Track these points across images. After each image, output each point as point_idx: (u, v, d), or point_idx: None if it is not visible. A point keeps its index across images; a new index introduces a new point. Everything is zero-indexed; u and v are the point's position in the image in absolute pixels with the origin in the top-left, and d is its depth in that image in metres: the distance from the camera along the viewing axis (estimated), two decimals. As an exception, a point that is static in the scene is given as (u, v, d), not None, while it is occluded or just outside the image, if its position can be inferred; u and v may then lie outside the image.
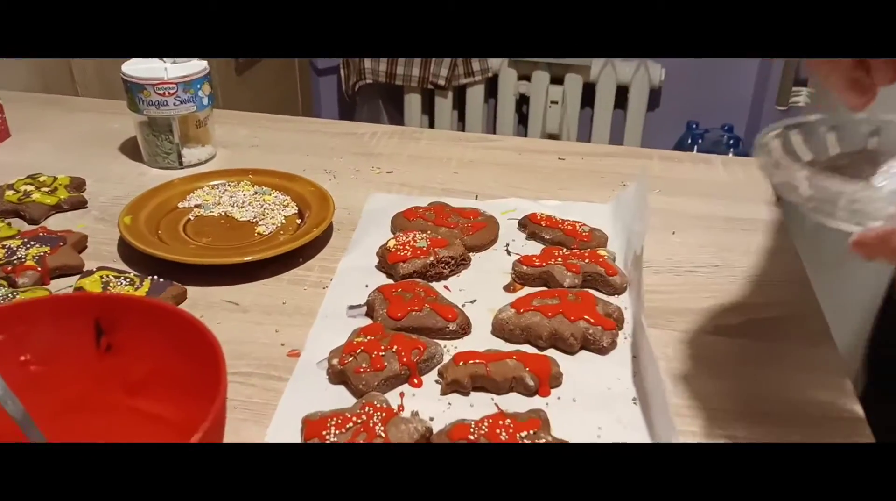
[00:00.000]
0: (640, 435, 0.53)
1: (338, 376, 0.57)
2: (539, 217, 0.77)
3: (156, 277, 0.65)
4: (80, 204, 0.79)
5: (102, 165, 0.89)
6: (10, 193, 0.78)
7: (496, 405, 0.56)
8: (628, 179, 0.88)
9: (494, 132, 2.18)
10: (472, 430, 0.51)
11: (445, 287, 0.68)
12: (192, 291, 0.67)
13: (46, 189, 0.79)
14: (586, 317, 0.61)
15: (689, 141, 2.14)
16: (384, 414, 0.52)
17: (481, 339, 0.62)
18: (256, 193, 0.80)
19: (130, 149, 0.92)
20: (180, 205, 0.78)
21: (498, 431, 0.51)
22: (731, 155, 1.98)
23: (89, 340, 0.47)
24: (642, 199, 0.73)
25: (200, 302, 0.66)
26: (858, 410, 0.56)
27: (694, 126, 2.16)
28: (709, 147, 2.09)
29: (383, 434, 0.50)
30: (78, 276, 0.66)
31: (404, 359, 0.57)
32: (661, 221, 0.80)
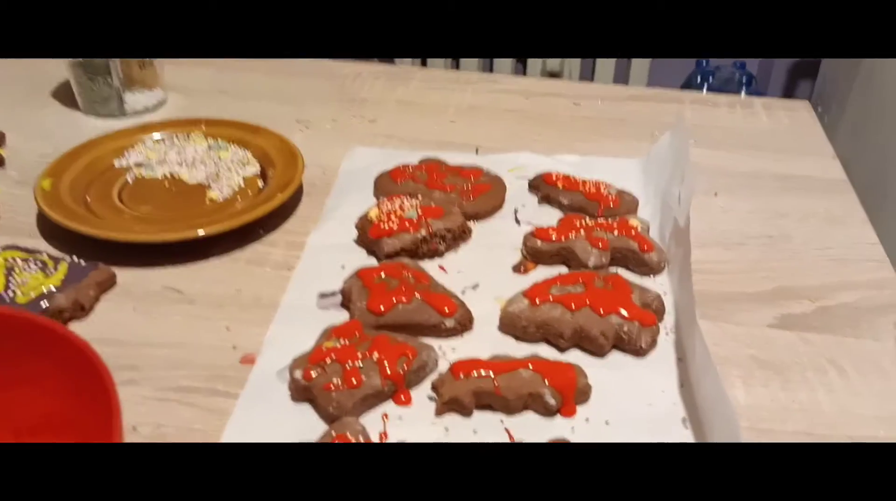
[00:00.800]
0: (694, 472, 0.41)
1: (302, 393, 0.44)
2: (554, 177, 0.63)
3: (74, 258, 0.52)
4: (-3, 163, 0.65)
5: (29, 116, 0.74)
6: None
7: (507, 431, 0.43)
8: (658, 128, 0.74)
9: (491, 70, 2.01)
10: (476, 473, 0.38)
11: (441, 268, 0.55)
12: (123, 274, 0.53)
13: (-47, 145, 0.64)
14: (620, 310, 0.48)
15: (699, 79, 1.98)
16: (360, 452, 0.39)
17: (486, 338, 0.49)
18: (210, 148, 0.65)
19: (64, 95, 0.77)
20: (117, 163, 0.64)
21: (511, 475, 0.38)
22: (743, 95, 1.83)
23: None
24: (682, 154, 0.59)
25: (135, 289, 0.53)
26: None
27: (704, 64, 2.00)
28: (720, 86, 1.93)
29: (359, 483, 0.37)
30: (-19, 257, 0.53)
31: (388, 371, 0.44)
32: (701, 180, 0.66)
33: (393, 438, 0.42)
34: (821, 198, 0.65)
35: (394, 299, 0.49)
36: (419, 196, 0.59)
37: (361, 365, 0.44)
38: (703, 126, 0.76)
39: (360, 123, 0.75)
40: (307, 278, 0.54)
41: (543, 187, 0.63)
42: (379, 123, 0.75)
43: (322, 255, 0.56)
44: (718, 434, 0.41)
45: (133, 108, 0.73)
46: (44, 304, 0.48)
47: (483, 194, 0.61)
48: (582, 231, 0.56)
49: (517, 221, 0.61)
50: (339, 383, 0.43)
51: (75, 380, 0.33)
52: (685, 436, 0.43)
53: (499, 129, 0.75)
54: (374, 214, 0.57)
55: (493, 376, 0.44)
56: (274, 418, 0.43)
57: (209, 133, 0.67)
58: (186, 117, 0.70)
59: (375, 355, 0.44)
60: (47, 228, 0.58)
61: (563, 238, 0.55)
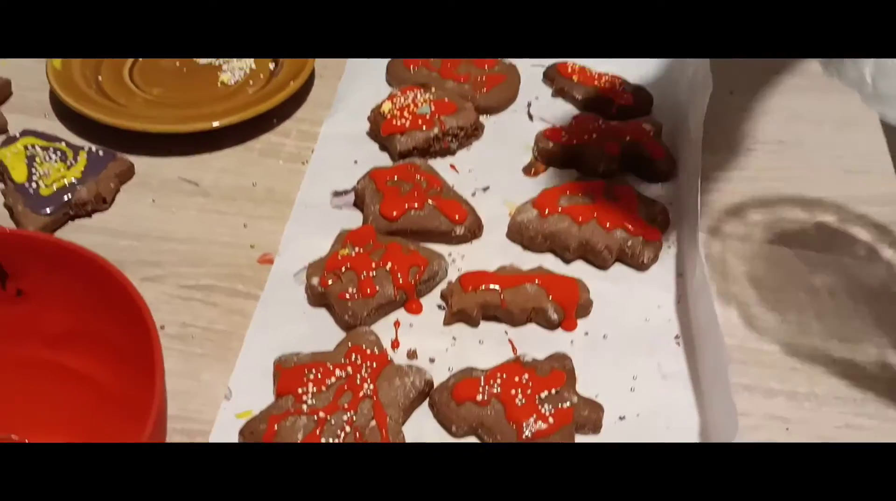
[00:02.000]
0: (682, 387, 0.44)
1: (318, 298, 0.47)
2: (571, 69, 0.62)
3: (93, 148, 0.53)
4: (1, 30, 0.64)
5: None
6: None
7: (511, 342, 0.46)
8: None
9: None
10: (480, 388, 0.42)
11: (452, 167, 0.56)
12: (140, 164, 0.54)
13: (-44, 10, 0.62)
14: (625, 224, 0.50)
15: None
16: (374, 364, 0.42)
17: (495, 245, 0.51)
18: (220, 22, 0.64)
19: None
20: (125, 38, 0.62)
21: (513, 391, 0.41)
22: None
23: (-8, 284, 0.36)
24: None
25: (152, 179, 0.54)
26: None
27: None
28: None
29: (372, 393, 0.41)
30: (1, 139, 0.54)
31: (400, 280, 0.46)
32: (716, 76, 0.64)
33: (404, 345, 0.45)
34: (838, 100, 0.64)
35: (406, 204, 0.50)
36: (432, 89, 0.59)
37: (375, 275, 0.46)
38: (727, 9, 0.73)
39: (373, -7, 0.72)
40: (320, 172, 0.55)
41: (558, 79, 0.62)
42: None
43: (335, 147, 0.56)
44: (708, 357, 0.44)
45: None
46: (67, 197, 0.50)
47: (496, 86, 0.61)
48: (594, 134, 0.56)
49: (530, 116, 0.60)
50: (354, 292, 0.45)
51: (101, 293, 0.35)
52: (677, 352, 0.46)
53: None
54: (386, 108, 0.56)
55: (499, 289, 0.46)
56: (293, 322, 0.46)
57: (218, 6, 0.65)
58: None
59: (389, 264, 0.46)
60: (61, 108, 0.57)
61: (574, 141, 0.56)
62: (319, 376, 0.41)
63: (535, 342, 0.46)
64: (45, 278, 0.36)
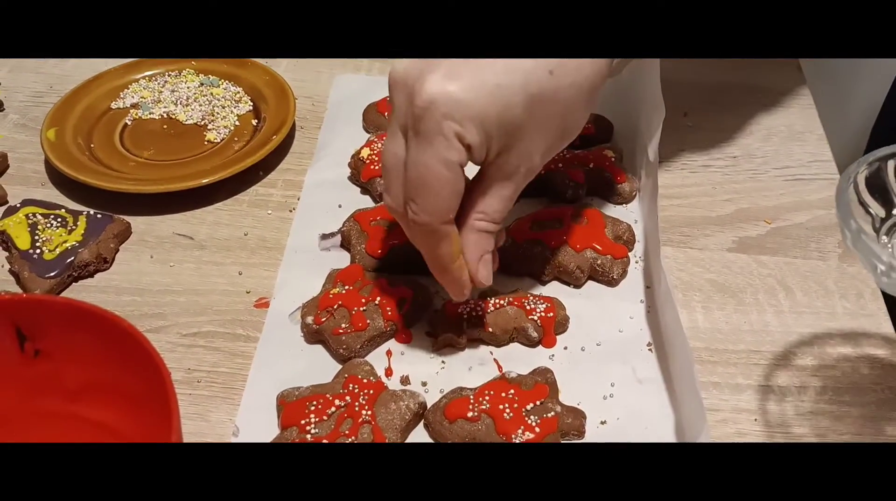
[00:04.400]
0: (656, 390, 0.48)
1: (314, 336, 0.50)
2: (533, 104, 0.66)
3: (91, 212, 0.56)
4: (-4, 107, 0.68)
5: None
6: None
7: (496, 361, 0.49)
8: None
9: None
10: (470, 406, 0.45)
11: (430, 203, 0.60)
12: (137, 223, 0.58)
13: (-49, 91, 0.66)
14: (594, 245, 0.54)
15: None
16: (371, 391, 0.45)
17: (475, 272, 0.55)
18: (202, 84, 0.68)
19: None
20: (113, 105, 0.66)
21: (501, 406, 0.45)
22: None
23: (12, 346, 0.39)
24: (653, 78, 0.62)
25: (149, 237, 0.57)
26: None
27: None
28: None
29: (370, 419, 0.44)
30: (2, 210, 0.57)
31: (389, 313, 0.50)
32: (671, 99, 0.69)
33: (397, 372, 0.49)
34: (784, 113, 0.69)
35: (391, 241, 0.54)
36: (406, 132, 0.63)
37: (365, 309, 0.49)
38: (676, 37, 0.78)
39: (343, 46, 0.76)
40: (307, 219, 0.58)
41: (523, 114, 0.66)
42: (362, 46, 0.76)
43: (319, 194, 0.60)
44: (677, 360, 0.47)
45: (118, 39, 0.74)
46: (70, 260, 0.53)
47: (466, 125, 0.65)
48: (560, 164, 0.60)
49: (499, 150, 0.64)
50: (347, 327, 0.49)
51: (115, 347, 0.38)
52: (650, 358, 0.50)
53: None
54: (365, 153, 0.60)
55: (481, 313, 0.50)
56: (291, 359, 0.49)
57: (200, 69, 0.69)
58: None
59: (378, 299, 0.50)
60: (57, 176, 0.61)
61: (543, 171, 0.60)
62: (320, 406, 0.44)
63: (519, 360, 0.49)
64: (61, 336, 0.39)
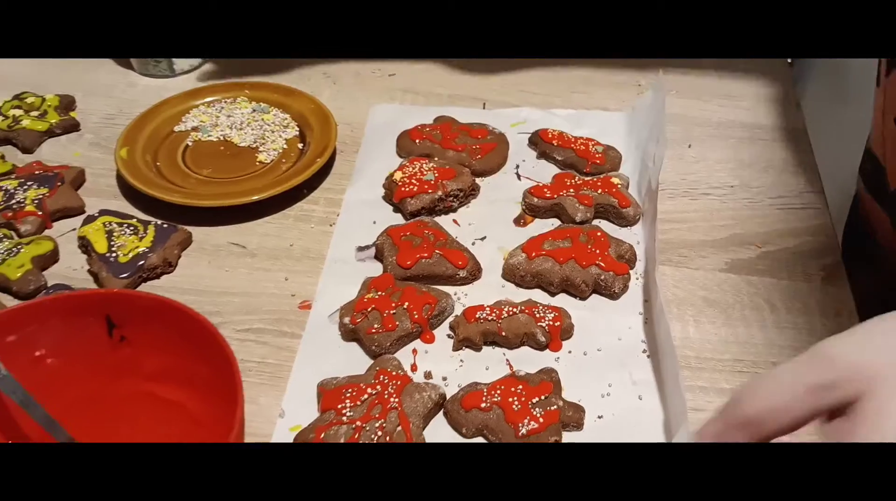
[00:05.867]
0: (649, 393, 0.54)
1: (350, 334, 0.57)
2: (550, 135, 0.74)
3: (159, 222, 0.64)
4: (73, 127, 0.76)
5: (88, 75, 0.84)
6: (-2, 119, 0.75)
7: (508, 362, 0.56)
8: (643, 79, 0.84)
9: None
10: (484, 397, 0.52)
11: (454, 221, 0.67)
12: (197, 233, 0.66)
13: (36, 113, 0.75)
14: (598, 262, 0.60)
15: None
16: (398, 383, 0.52)
17: (492, 284, 0.62)
18: (255, 110, 0.76)
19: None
20: (176, 128, 0.75)
21: (511, 399, 0.52)
22: None
23: (101, 332, 0.47)
24: (659, 114, 0.69)
25: (206, 245, 0.65)
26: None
27: None
28: None
29: (398, 405, 0.51)
30: (80, 219, 0.65)
31: (415, 316, 0.57)
32: (678, 131, 0.77)
33: (421, 368, 0.56)
34: (781, 148, 0.76)
35: (418, 254, 0.61)
36: (435, 157, 0.70)
37: (395, 312, 0.57)
38: (684, 76, 0.85)
39: (379, 77, 0.84)
40: (346, 232, 0.66)
41: (541, 144, 0.74)
42: (396, 78, 0.84)
43: (356, 211, 0.68)
44: (667, 366, 0.54)
45: (181, 67, 0.83)
46: (141, 263, 0.61)
47: (489, 153, 0.72)
48: (571, 189, 0.67)
49: (518, 176, 0.72)
50: (379, 327, 0.56)
51: (191, 336, 0.46)
52: (645, 366, 0.56)
53: (501, 80, 0.84)
54: (398, 176, 0.68)
55: (497, 320, 0.57)
56: (330, 354, 0.57)
57: (252, 97, 0.77)
58: (229, 81, 0.80)
59: (406, 304, 0.57)
60: (128, 190, 0.69)
61: (555, 195, 0.67)
62: (354, 394, 0.52)
63: (528, 361, 0.56)
64: (143, 326, 0.47)
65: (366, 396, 0.52)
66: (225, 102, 0.77)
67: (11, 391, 0.43)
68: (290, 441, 0.51)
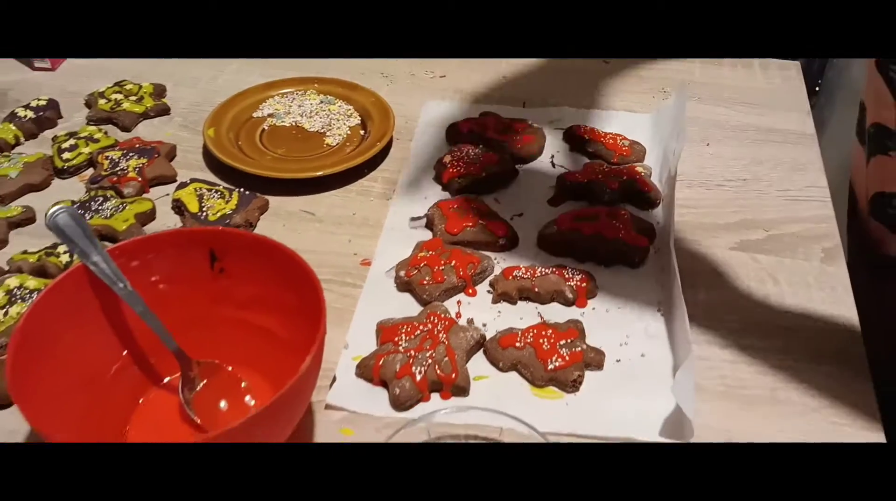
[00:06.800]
0: (661, 343, 0.63)
1: (404, 285, 0.67)
2: (583, 130, 0.83)
3: (242, 189, 0.74)
4: (165, 111, 0.87)
5: (178, 68, 0.95)
6: (102, 101, 0.86)
7: (539, 314, 0.65)
8: (668, 85, 0.93)
9: None
10: (518, 338, 0.61)
11: (496, 200, 0.76)
12: (273, 201, 0.76)
13: (134, 98, 0.86)
14: (621, 235, 0.69)
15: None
16: (446, 323, 0.62)
17: (527, 251, 0.71)
18: (322, 102, 0.87)
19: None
20: (255, 115, 0.85)
21: (541, 340, 0.60)
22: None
23: (205, 265, 0.57)
24: (680, 115, 0.78)
25: (281, 212, 0.75)
26: (857, 328, 0.65)
27: None
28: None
29: (445, 341, 0.60)
30: (173, 185, 0.76)
31: (461, 273, 0.66)
32: (697, 132, 0.86)
33: (465, 316, 0.65)
34: (791, 149, 0.84)
35: (464, 223, 0.70)
36: (480, 145, 0.80)
37: (443, 268, 0.66)
38: (707, 83, 0.94)
39: (431, 79, 0.95)
40: (401, 205, 0.75)
41: (574, 137, 0.83)
42: (447, 79, 0.95)
43: (411, 189, 0.77)
44: (677, 322, 0.62)
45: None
46: (227, 222, 0.71)
47: (528, 143, 0.82)
48: (600, 175, 0.76)
49: (553, 164, 0.81)
50: (430, 280, 0.65)
51: (281, 269, 0.55)
52: (659, 321, 0.65)
53: (541, 83, 0.94)
54: (447, 159, 0.78)
55: (531, 277, 0.66)
56: (385, 301, 0.66)
57: (321, 90, 0.88)
58: (301, 76, 0.90)
59: (453, 262, 0.66)
60: (211, 162, 0.80)
61: (585, 180, 0.76)
62: (409, 330, 0.61)
63: (557, 315, 0.65)
64: (241, 260, 0.56)
65: (419, 331, 0.61)
66: (296, 93, 0.88)
67: (135, 304, 0.53)
68: (353, 366, 0.60)
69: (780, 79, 0.96)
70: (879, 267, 0.76)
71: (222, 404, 0.56)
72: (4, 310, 0.60)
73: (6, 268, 0.66)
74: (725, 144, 0.85)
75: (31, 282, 0.62)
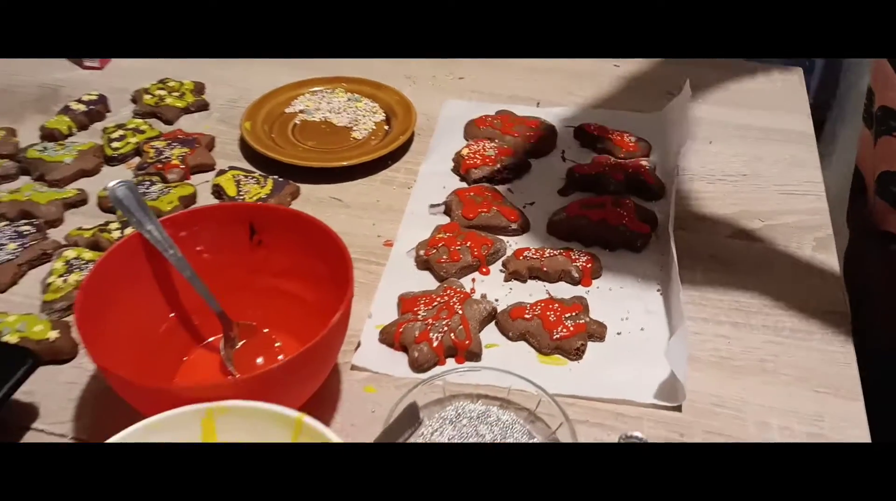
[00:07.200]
0: (659, 319, 0.68)
1: (423, 264, 0.73)
2: (592, 127, 0.89)
3: (276, 177, 0.81)
4: (204, 107, 0.94)
5: (216, 68, 1.02)
6: (147, 97, 0.93)
7: (547, 291, 0.71)
8: (673, 88, 0.98)
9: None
10: (527, 311, 0.66)
11: (509, 190, 0.82)
12: (303, 188, 0.82)
13: (176, 94, 0.93)
14: (625, 222, 0.75)
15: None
16: (461, 296, 0.67)
17: (537, 236, 0.77)
18: (349, 99, 0.93)
19: (238, 53, 1.05)
20: (287, 110, 0.92)
21: (548, 313, 0.66)
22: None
23: (245, 237, 0.63)
24: (683, 115, 0.84)
25: (311, 198, 0.82)
26: (845, 308, 0.70)
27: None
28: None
29: (460, 311, 0.66)
30: (213, 173, 0.83)
31: (475, 253, 0.72)
32: (701, 130, 0.91)
33: (478, 292, 0.70)
34: (791, 147, 0.90)
35: (479, 209, 0.76)
36: (496, 140, 0.86)
37: (459, 248, 0.72)
38: (712, 86, 0.99)
39: (452, 80, 1.01)
40: (421, 193, 0.82)
41: (583, 135, 0.89)
42: (466, 80, 1.01)
43: (430, 178, 0.84)
44: (674, 299, 0.67)
45: (288, 65, 1.01)
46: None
47: (540, 139, 0.87)
48: (607, 168, 0.82)
49: (563, 159, 0.87)
50: (447, 258, 0.71)
51: (315, 242, 0.61)
52: (658, 300, 0.70)
53: (554, 85, 1.00)
54: (465, 152, 0.84)
55: (540, 258, 0.71)
56: (406, 277, 0.72)
57: (349, 89, 0.94)
58: (329, 76, 0.97)
59: (468, 243, 0.72)
60: (247, 153, 0.86)
61: (593, 172, 0.82)
62: (427, 301, 0.67)
63: (564, 293, 0.70)
64: (277, 232, 0.63)
65: (436, 303, 0.67)
66: (325, 91, 0.94)
67: (183, 269, 0.60)
68: (377, 334, 0.66)
69: (783, 82, 1.01)
70: (884, 245, 0.80)
71: (259, 360, 0.62)
72: (64, 278, 0.67)
73: (63, 243, 0.73)
74: (728, 142, 0.90)
75: (87, 254, 0.69)
